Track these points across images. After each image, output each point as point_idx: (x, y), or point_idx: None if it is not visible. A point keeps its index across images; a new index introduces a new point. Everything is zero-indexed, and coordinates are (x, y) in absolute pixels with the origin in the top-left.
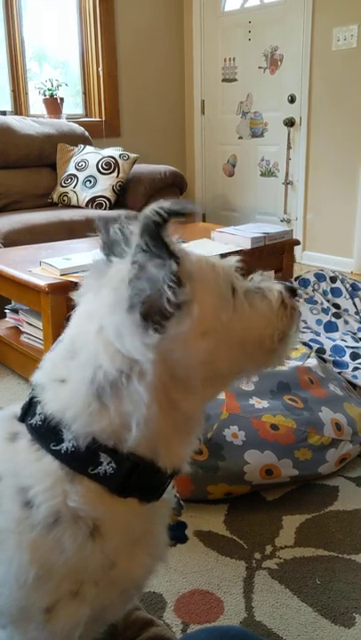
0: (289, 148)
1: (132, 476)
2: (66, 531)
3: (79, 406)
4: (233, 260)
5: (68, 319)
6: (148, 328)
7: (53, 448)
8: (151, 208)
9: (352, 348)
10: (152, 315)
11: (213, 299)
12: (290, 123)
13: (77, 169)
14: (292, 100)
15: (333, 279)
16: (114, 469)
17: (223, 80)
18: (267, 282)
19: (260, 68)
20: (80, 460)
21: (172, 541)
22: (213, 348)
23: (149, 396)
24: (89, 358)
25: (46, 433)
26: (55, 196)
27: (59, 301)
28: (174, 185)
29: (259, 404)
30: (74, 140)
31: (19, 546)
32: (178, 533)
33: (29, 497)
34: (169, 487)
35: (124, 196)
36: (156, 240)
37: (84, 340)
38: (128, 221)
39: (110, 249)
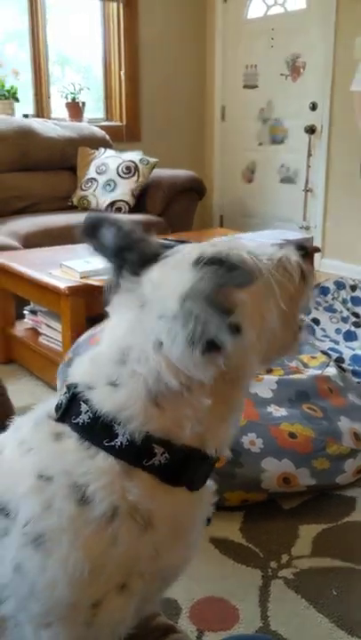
0: (309, 155)
1: (185, 465)
2: (122, 524)
3: (136, 409)
4: (268, 252)
5: (95, 321)
6: (209, 360)
7: (107, 444)
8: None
9: None
10: (212, 352)
11: (262, 318)
12: (311, 130)
13: (98, 172)
14: (313, 107)
15: (354, 287)
16: (167, 459)
17: (244, 86)
18: (281, 251)
19: (281, 75)
20: (135, 453)
21: None
22: (260, 352)
23: (209, 402)
24: (149, 370)
25: (98, 430)
26: (75, 200)
27: (78, 304)
28: (193, 190)
29: (277, 411)
30: (94, 143)
31: (73, 543)
32: None
33: (87, 494)
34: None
35: (144, 200)
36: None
37: (140, 351)
38: (120, 221)
39: (119, 254)
